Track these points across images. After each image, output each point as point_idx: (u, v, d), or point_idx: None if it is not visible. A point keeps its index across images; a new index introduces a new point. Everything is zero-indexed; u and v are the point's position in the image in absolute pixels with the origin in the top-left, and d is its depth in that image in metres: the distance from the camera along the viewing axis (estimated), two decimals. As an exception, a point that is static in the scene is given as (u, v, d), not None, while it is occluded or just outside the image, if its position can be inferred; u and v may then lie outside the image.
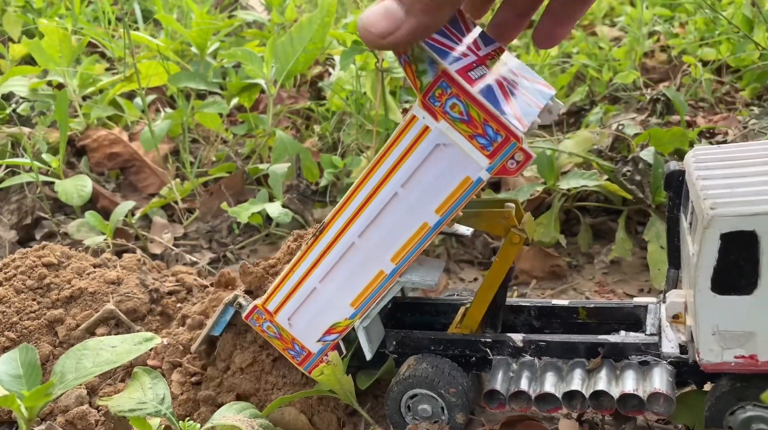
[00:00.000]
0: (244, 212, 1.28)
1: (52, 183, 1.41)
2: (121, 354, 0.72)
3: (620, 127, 1.34)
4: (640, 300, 0.85)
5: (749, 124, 1.37)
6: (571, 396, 0.76)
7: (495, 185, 1.34)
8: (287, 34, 1.42)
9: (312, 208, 1.40)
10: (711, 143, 1.31)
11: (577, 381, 0.75)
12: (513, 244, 0.77)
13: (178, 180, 1.49)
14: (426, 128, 0.69)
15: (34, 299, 1.03)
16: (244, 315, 0.84)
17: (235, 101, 1.58)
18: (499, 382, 0.78)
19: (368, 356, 0.82)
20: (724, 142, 1.32)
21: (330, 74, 1.75)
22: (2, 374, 0.72)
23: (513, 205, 0.80)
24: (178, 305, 1.06)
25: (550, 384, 0.76)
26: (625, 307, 0.85)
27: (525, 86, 0.73)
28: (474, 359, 0.82)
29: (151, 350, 0.95)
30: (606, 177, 1.21)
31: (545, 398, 0.76)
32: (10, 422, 0.92)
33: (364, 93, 1.42)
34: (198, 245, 1.38)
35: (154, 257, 1.32)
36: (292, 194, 1.40)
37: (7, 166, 1.52)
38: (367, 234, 0.76)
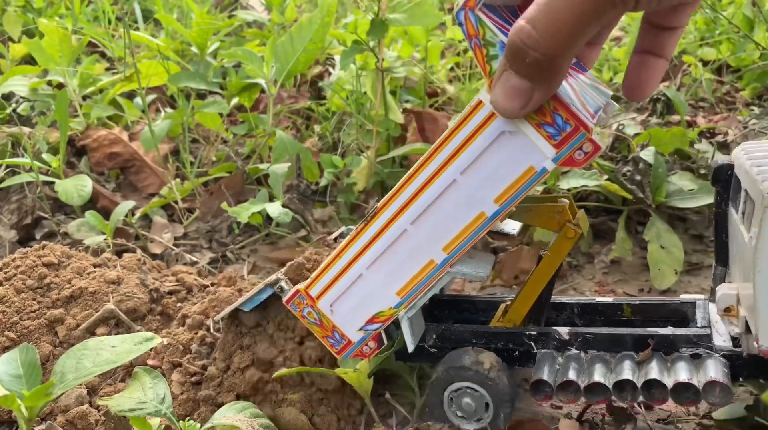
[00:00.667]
0: (244, 212, 1.28)
1: (52, 183, 1.41)
2: (121, 354, 0.72)
3: (620, 127, 1.34)
4: (687, 297, 0.84)
5: (749, 124, 1.37)
6: (621, 387, 0.74)
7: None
8: (287, 34, 1.42)
9: (312, 208, 1.41)
10: (711, 143, 1.31)
11: (627, 371, 0.74)
12: (568, 238, 0.76)
13: (178, 180, 1.49)
14: (492, 114, 0.67)
15: (34, 299, 1.03)
16: (284, 299, 0.82)
17: (235, 101, 1.58)
18: (545, 373, 0.76)
19: (410, 347, 0.80)
20: (725, 142, 1.33)
21: (330, 74, 1.75)
22: (2, 373, 0.72)
23: (566, 200, 0.78)
24: (178, 304, 1.06)
25: (600, 375, 0.74)
26: (671, 303, 0.84)
27: (586, 83, 0.72)
28: (517, 353, 0.80)
29: (151, 349, 0.95)
30: (606, 177, 1.21)
31: (594, 389, 0.74)
32: (10, 422, 0.92)
33: (364, 93, 1.42)
34: (198, 245, 1.38)
35: (154, 256, 1.32)
36: (292, 194, 1.40)
37: (7, 166, 1.52)
38: (420, 221, 0.74)
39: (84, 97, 1.68)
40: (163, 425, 0.75)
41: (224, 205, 1.33)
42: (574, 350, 0.78)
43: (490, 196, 0.71)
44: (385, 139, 1.37)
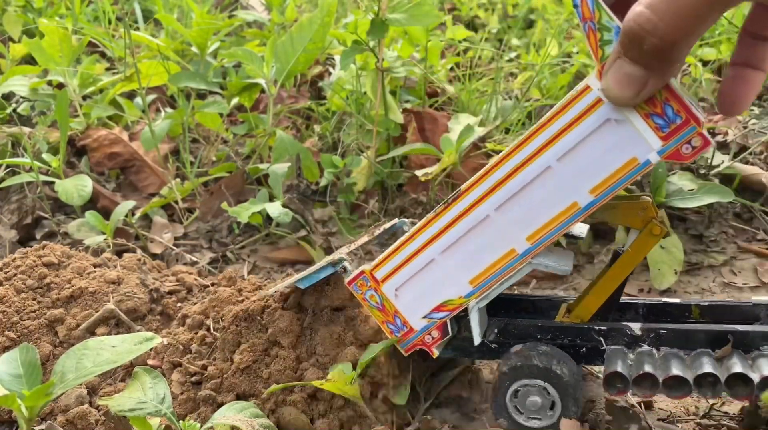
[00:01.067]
0: (244, 212, 1.28)
1: (53, 183, 1.41)
2: (122, 354, 0.72)
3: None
4: (760, 299, 0.82)
5: (749, 124, 1.37)
6: (700, 384, 0.71)
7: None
8: (287, 34, 1.42)
9: (312, 208, 1.41)
10: (711, 143, 1.31)
11: (708, 366, 0.71)
12: (653, 235, 0.74)
13: (178, 180, 1.49)
14: (599, 101, 0.65)
15: (34, 299, 1.03)
16: (347, 280, 0.79)
17: (235, 101, 1.58)
18: (620, 366, 0.73)
19: (476, 340, 0.78)
20: (725, 142, 1.33)
21: (330, 74, 1.75)
22: (2, 373, 0.72)
23: (648, 197, 0.76)
24: (178, 304, 1.06)
25: (678, 369, 0.71)
26: (743, 306, 0.82)
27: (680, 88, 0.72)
28: (584, 349, 0.78)
29: (151, 349, 0.95)
30: (606, 177, 1.21)
31: (673, 383, 0.71)
32: (10, 422, 0.92)
33: (364, 93, 1.42)
34: (198, 245, 1.38)
35: (154, 256, 1.32)
36: (292, 194, 1.40)
37: (7, 166, 1.52)
38: (505, 207, 0.71)
39: (84, 97, 1.68)
40: (163, 425, 0.75)
41: (224, 205, 1.33)
42: (646, 347, 0.75)
43: (586, 186, 0.68)
44: (385, 139, 1.37)
